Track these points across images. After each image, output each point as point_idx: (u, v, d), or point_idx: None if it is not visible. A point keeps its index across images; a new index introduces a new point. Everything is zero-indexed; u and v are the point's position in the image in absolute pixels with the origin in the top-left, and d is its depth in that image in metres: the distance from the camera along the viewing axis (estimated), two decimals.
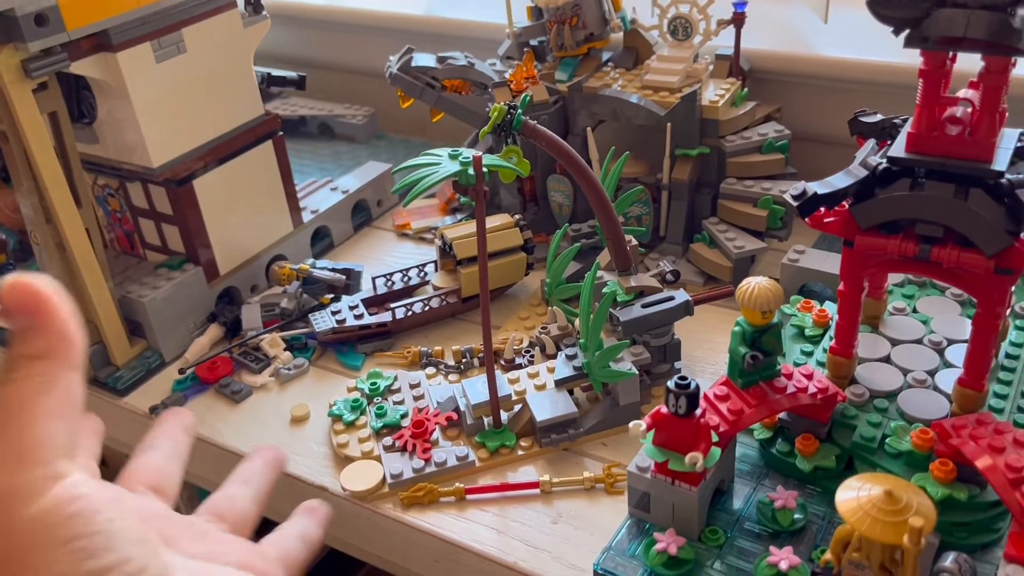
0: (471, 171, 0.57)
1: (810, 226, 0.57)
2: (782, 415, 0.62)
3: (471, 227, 0.82)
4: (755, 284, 0.55)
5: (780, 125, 0.86)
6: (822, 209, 0.56)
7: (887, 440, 0.58)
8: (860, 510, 0.46)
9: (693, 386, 0.53)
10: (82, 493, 0.31)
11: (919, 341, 0.66)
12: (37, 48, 0.65)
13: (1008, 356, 0.64)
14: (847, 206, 0.56)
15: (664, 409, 0.54)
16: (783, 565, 0.53)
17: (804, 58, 0.92)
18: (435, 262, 0.86)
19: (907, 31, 0.50)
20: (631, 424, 0.54)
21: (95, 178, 0.83)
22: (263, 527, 0.46)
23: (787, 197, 0.56)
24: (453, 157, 0.59)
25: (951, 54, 0.52)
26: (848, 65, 0.90)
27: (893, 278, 0.73)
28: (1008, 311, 0.66)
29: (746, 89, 0.87)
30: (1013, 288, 0.70)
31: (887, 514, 0.45)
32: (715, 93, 0.85)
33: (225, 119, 0.81)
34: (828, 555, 0.50)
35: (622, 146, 0.80)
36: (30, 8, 0.64)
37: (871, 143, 0.60)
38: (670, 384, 0.53)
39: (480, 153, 0.57)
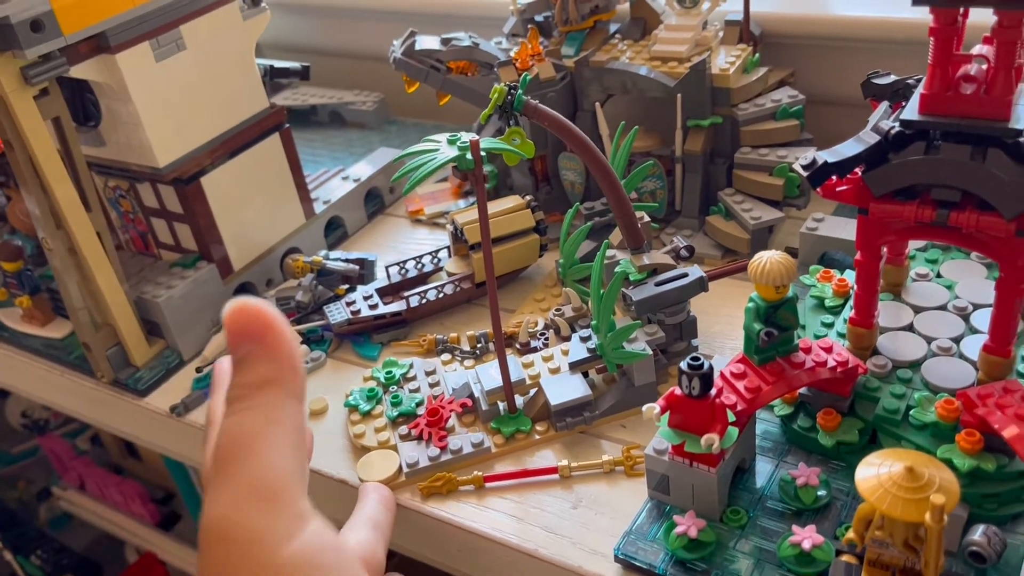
0: (469, 156, 0.56)
1: (822, 196, 0.55)
2: (803, 390, 0.60)
3: None
4: (767, 258, 0.54)
5: (794, 90, 0.83)
6: (834, 178, 0.54)
7: (911, 412, 0.56)
8: (880, 488, 0.44)
9: (706, 367, 0.52)
10: (329, 542, 0.33)
11: (943, 307, 0.64)
12: (35, 55, 0.65)
13: None
14: (860, 173, 0.54)
15: (678, 391, 0.53)
16: (806, 544, 0.52)
17: (816, 19, 0.89)
18: (448, 248, 0.86)
19: None
20: (644, 408, 0.54)
21: (106, 180, 0.83)
22: None
23: (796, 167, 0.54)
24: (452, 142, 0.58)
25: (962, 10, 0.50)
26: (863, 24, 0.87)
27: (915, 243, 0.71)
28: None
29: (757, 55, 0.85)
30: None
31: (908, 491, 0.44)
32: (725, 61, 0.82)
33: (230, 114, 0.81)
34: (851, 534, 0.48)
35: (633, 120, 0.78)
36: (25, 15, 0.63)
37: (884, 106, 0.58)
38: (683, 365, 0.52)
39: (477, 137, 0.56)
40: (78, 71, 0.69)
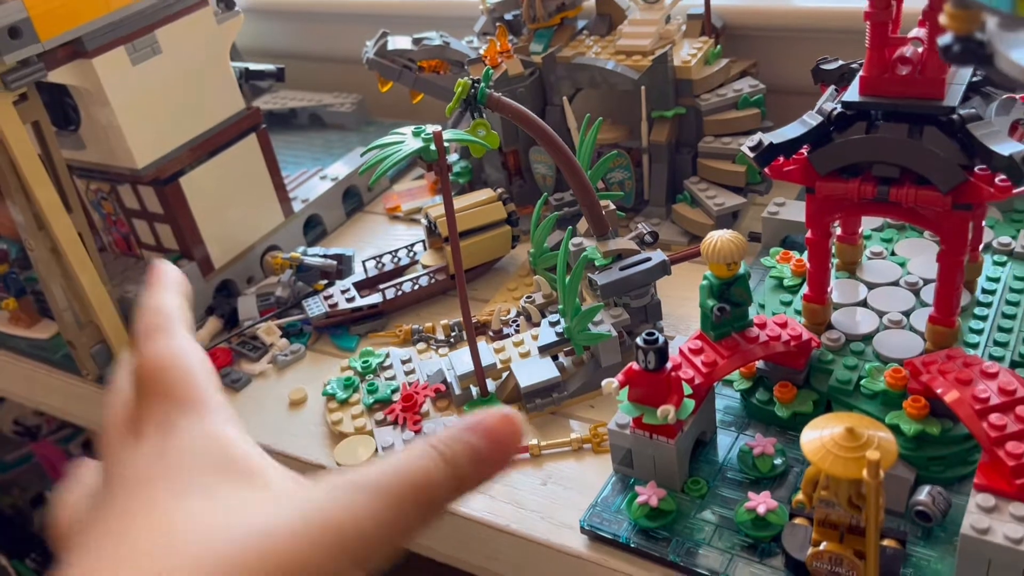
0: (433, 147, 0.58)
1: (770, 176, 0.58)
2: (760, 365, 0.63)
3: (456, 204, 0.83)
4: (717, 237, 0.56)
5: (755, 80, 0.86)
6: (781, 159, 0.57)
7: (862, 382, 0.59)
8: (823, 449, 0.47)
9: (661, 341, 0.54)
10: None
11: (896, 283, 0.67)
12: (13, 60, 0.67)
13: (984, 291, 0.64)
14: (805, 154, 0.56)
15: (635, 366, 0.56)
16: (761, 509, 0.54)
17: (776, 11, 0.92)
18: (423, 242, 0.88)
19: None
20: (604, 383, 0.56)
21: (87, 184, 0.85)
22: None
23: (744, 149, 0.56)
24: (416, 134, 0.60)
25: None
26: (821, 14, 0.89)
27: (871, 223, 0.73)
28: (982, 247, 0.66)
29: (719, 47, 0.88)
30: (987, 224, 0.70)
31: (848, 451, 0.46)
32: (688, 53, 0.85)
33: (206, 116, 0.83)
34: (800, 495, 0.51)
35: (601, 113, 0.81)
36: (3, 22, 0.65)
37: (831, 90, 0.61)
38: (638, 340, 0.54)
39: (440, 129, 0.58)
40: (56, 76, 0.72)
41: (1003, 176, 0.50)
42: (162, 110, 0.79)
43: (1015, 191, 0.50)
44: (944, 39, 0.35)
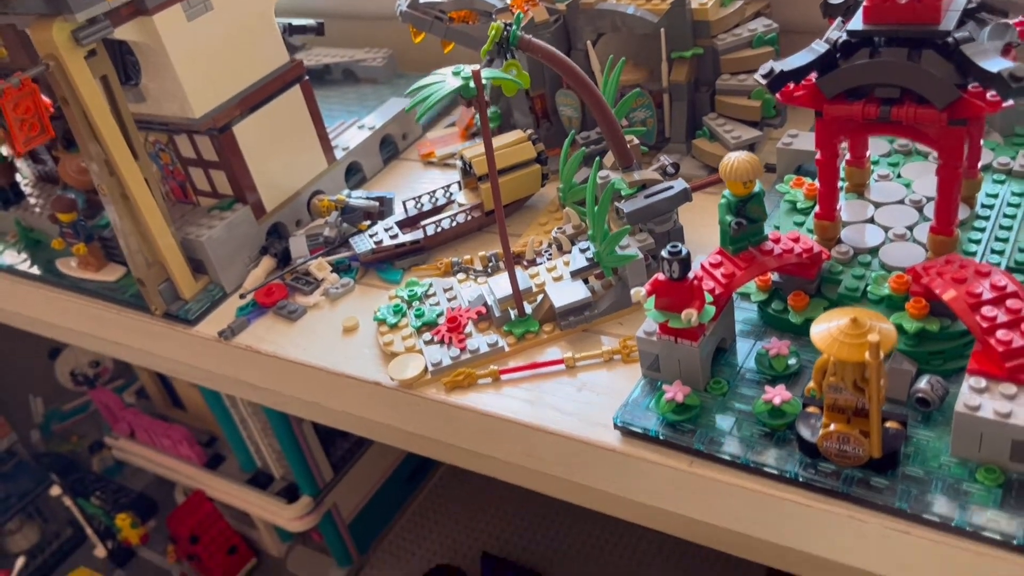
0: (472, 84, 0.64)
1: (781, 101, 0.63)
2: (775, 278, 0.69)
3: None
4: (734, 158, 0.62)
5: (768, 20, 0.90)
6: (791, 85, 0.62)
7: (868, 288, 0.64)
8: (830, 337, 0.53)
9: (684, 252, 0.60)
10: None
11: (901, 202, 0.72)
12: (84, 18, 0.73)
13: (983, 206, 0.70)
14: (813, 79, 0.61)
15: (661, 276, 0.62)
16: (777, 400, 0.60)
17: None
18: (459, 183, 0.94)
19: None
20: (633, 290, 0.62)
21: (146, 135, 0.92)
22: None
23: (757, 77, 0.62)
24: (456, 74, 0.66)
25: None
26: None
27: (880, 149, 0.78)
28: (982, 165, 0.71)
29: None
30: (989, 147, 0.75)
31: (853, 337, 0.52)
32: None
33: (254, 68, 0.89)
34: (811, 384, 0.57)
35: (623, 56, 0.86)
36: None
37: (838, 21, 0.66)
38: (663, 252, 0.60)
39: (478, 67, 0.64)
40: (121, 32, 0.78)
41: (993, 92, 0.55)
42: (215, 63, 0.85)
43: (1004, 105, 0.55)
44: None
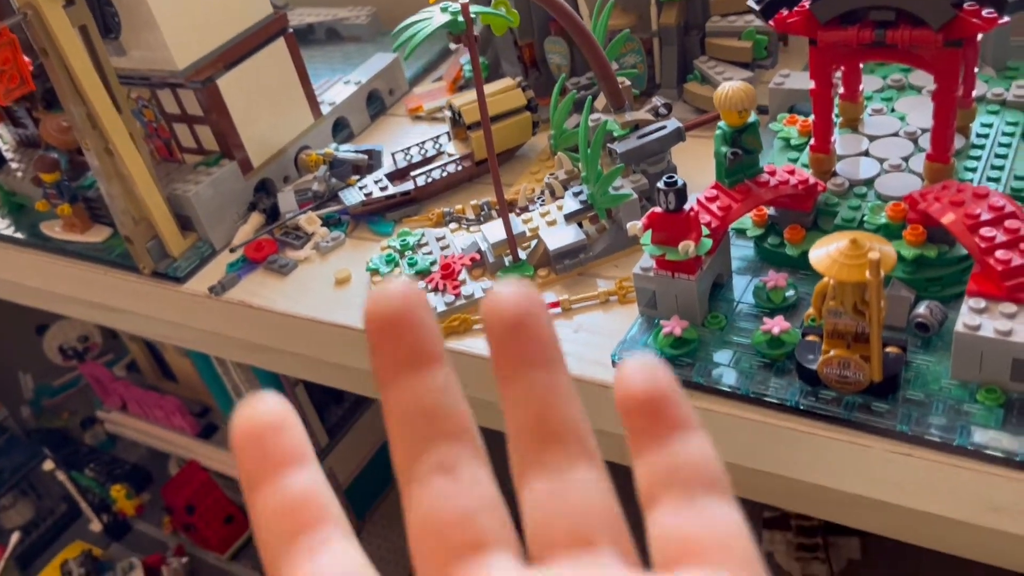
0: (460, 19, 0.62)
1: (775, 29, 0.62)
2: (772, 212, 0.68)
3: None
4: (729, 86, 0.61)
5: None
6: (784, 11, 0.61)
7: (865, 218, 0.64)
8: (829, 259, 0.52)
9: (680, 183, 0.59)
10: None
11: (896, 134, 0.71)
12: None
13: (978, 135, 0.69)
14: (807, 5, 0.61)
15: (657, 209, 0.61)
16: (775, 330, 0.60)
17: None
18: (448, 133, 0.93)
19: None
20: (629, 224, 0.61)
21: (128, 91, 0.90)
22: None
23: (750, 2, 0.61)
24: (443, 10, 0.64)
25: None
26: None
27: (873, 85, 0.78)
28: (977, 95, 0.71)
29: None
30: (983, 79, 0.75)
31: (852, 258, 0.51)
32: None
33: (237, 19, 0.87)
34: (811, 310, 0.57)
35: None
36: None
37: None
38: (659, 184, 0.60)
39: (466, 1, 0.62)
40: None
41: (990, 9, 0.55)
42: (198, 12, 0.83)
43: (1000, 21, 0.55)
44: None
